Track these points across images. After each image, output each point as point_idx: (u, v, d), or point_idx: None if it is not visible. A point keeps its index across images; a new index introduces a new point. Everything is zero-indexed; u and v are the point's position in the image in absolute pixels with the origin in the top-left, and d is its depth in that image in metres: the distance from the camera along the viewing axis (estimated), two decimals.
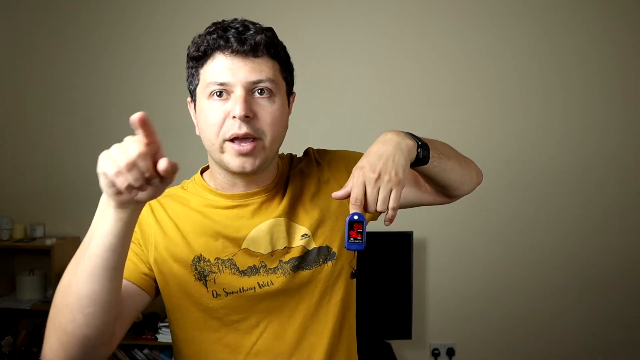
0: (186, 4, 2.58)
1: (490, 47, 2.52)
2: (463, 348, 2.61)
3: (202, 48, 0.82)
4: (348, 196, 0.78)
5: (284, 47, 0.88)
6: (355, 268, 0.98)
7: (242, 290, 0.87)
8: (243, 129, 0.79)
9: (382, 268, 2.38)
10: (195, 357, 0.91)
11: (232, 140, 0.81)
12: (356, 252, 0.97)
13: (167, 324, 2.34)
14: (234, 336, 0.89)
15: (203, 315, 0.88)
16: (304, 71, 2.38)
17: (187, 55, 0.86)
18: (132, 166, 0.59)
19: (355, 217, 0.75)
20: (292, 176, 0.95)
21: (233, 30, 0.80)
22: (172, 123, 2.60)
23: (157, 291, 0.89)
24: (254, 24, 0.83)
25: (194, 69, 0.85)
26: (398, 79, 2.56)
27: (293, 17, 2.55)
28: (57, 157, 2.69)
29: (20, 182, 2.71)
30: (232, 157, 0.81)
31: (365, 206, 0.76)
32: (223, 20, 0.83)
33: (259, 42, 0.80)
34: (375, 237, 2.28)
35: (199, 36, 0.84)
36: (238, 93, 0.80)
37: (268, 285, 0.88)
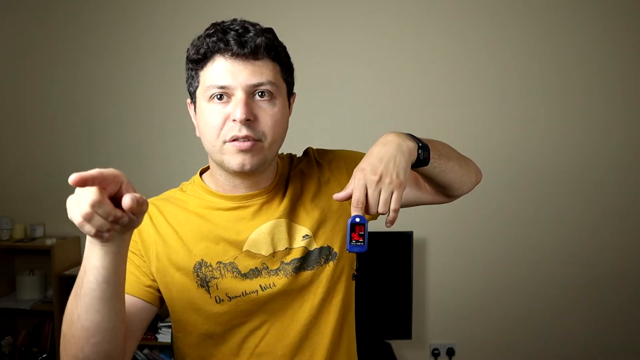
0: (186, 4, 2.58)
1: (490, 47, 2.52)
2: (463, 348, 2.61)
3: (201, 51, 0.81)
4: (349, 198, 0.77)
5: (285, 48, 0.87)
6: (356, 270, 0.98)
7: (244, 294, 0.87)
8: (243, 132, 0.79)
9: (382, 268, 2.38)
10: None
11: (232, 141, 0.80)
12: (356, 254, 0.97)
13: (167, 324, 2.35)
14: (237, 339, 0.89)
15: (207, 321, 0.88)
16: (304, 71, 2.38)
17: (187, 57, 0.85)
18: (91, 216, 0.59)
19: (357, 220, 0.75)
20: (292, 176, 0.95)
21: (233, 33, 0.80)
22: (172, 123, 2.60)
23: (162, 301, 0.89)
24: (253, 25, 0.82)
25: (193, 72, 0.85)
26: (398, 79, 2.56)
27: (293, 17, 2.54)
28: (57, 157, 2.69)
29: (20, 182, 2.72)
30: (232, 156, 0.81)
31: (366, 208, 0.76)
32: (222, 22, 0.83)
33: (260, 45, 0.80)
34: (376, 238, 2.28)
35: (198, 38, 0.83)
36: (239, 96, 0.79)
37: (270, 287, 0.87)
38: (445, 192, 0.98)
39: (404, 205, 1.00)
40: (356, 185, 0.76)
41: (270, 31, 0.84)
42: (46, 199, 2.70)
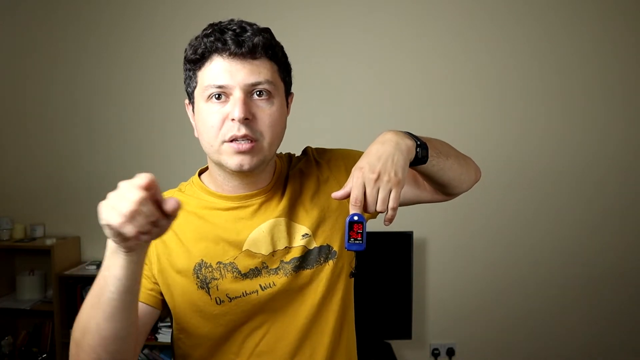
0: (186, 4, 2.58)
1: (490, 47, 2.52)
2: (463, 348, 2.61)
3: (199, 51, 0.81)
4: (347, 196, 0.77)
5: (282, 48, 0.87)
6: (355, 268, 0.98)
7: (245, 295, 0.87)
8: (242, 131, 0.79)
9: (382, 268, 2.38)
10: None
11: (230, 141, 0.80)
12: (355, 253, 0.97)
13: (167, 324, 2.35)
14: (238, 339, 0.89)
15: (208, 323, 0.88)
16: (304, 71, 2.39)
17: (185, 57, 0.85)
18: (135, 214, 0.58)
19: (355, 218, 0.75)
20: (291, 176, 0.95)
21: (230, 32, 0.80)
22: (172, 123, 2.60)
23: (165, 304, 0.89)
24: (251, 25, 0.82)
25: (191, 72, 0.85)
26: (398, 79, 2.56)
27: (293, 17, 2.54)
28: (57, 157, 2.69)
29: (20, 182, 2.72)
30: (230, 156, 0.81)
31: (364, 206, 0.76)
32: (220, 22, 0.83)
33: (257, 44, 0.80)
34: (375, 237, 2.28)
35: (196, 38, 0.83)
36: (237, 95, 0.79)
37: (270, 286, 0.87)
38: (444, 190, 0.98)
39: (403, 204, 1.00)
40: (354, 183, 0.76)
41: (267, 31, 0.84)
42: (46, 199, 2.70)
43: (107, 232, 0.61)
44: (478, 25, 2.52)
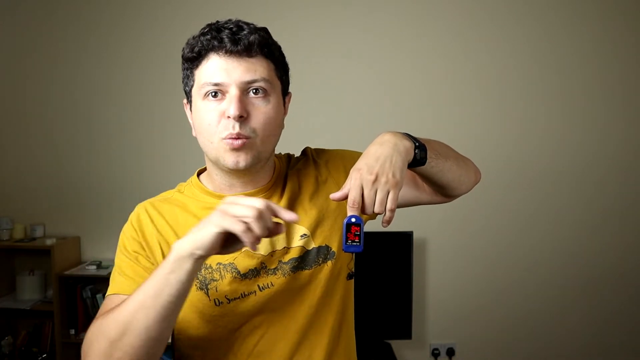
0: (186, 4, 2.58)
1: (490, 47, 2.52)
2: (463, 348, 2.61)
3: (196, 49, 0.82)
4: (345, 198, 0.77)
5: (279, 47, 0.88)
6: (353, 270, 0.98)
7: (243, 295, 0.87)
8: (236, 129, 0.80)
9: (382, 268, 2.38)
10: None
11: (226, 139, 0.81)
12: (354, 254, 0.97)
13: None
14: (237, 339, 0.89)
15: (208, 323, 0.88)
16: (304, 71, 2.39)
17: (182, 56, 0.86)
18: (261, 216, 0.67)
19: (353, 220, 0.75)
20: (290, 176, 0.95)
21: (227, 31, 0.80)
22: (172, 123, 2.60)
23: None
24: (247, 24, 0.83)
25: (189, 71, 0.86)
26: (398, 79, 2.56)
27: (293, 17, 2.54)
28: (57, 157, 2.69)
29: (20, 182, 2.72)
30: (226, 154, 0.81)
31: (362, 208, 0.76)
32: (217, 21, 0.83)
33: (253, 42, 0.80)
34: (375, 237, 2.28)
35: (193, 37, 0.83)
36: (232, 93, 0.80)
37: (268, 287, 0.87)
38: (443, 192, 0.98)
39: (402, 205, 1.00)
40: (352, 185, 0.76)
41: (264, 30, 0.84)
42: (46, 199, 2.70)
43: (237, 227, 0.66)
44: (478, 25, 2.52)
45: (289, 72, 0.91)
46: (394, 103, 2.56)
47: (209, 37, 0.81)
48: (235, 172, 0.85)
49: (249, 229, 0.66)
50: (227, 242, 0.70)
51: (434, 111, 2.55)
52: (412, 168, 0.86)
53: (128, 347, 0.71)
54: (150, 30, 2.61)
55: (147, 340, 0.71)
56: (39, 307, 2.52)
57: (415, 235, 2.42)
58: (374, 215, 0.92)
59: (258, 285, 0.87)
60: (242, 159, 0.81)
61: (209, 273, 0.86)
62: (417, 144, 0.84)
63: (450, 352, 2.60)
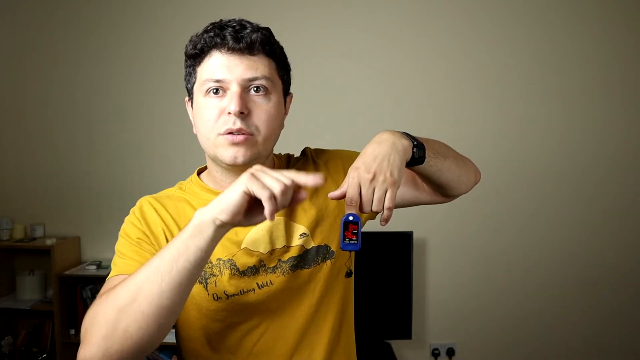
0: (186, 4, 2.58)
1: (490, 47, 2.52)
2: (463, 348, 2.61)
3: (199, 46, 0.83)
4: (343, 197, 0.78)
5: (281, 47, 0.89)
6: (351, 268, 0.98)
7: (242, 293, 0.87)
8: (237, 125, 0.80)
9: (382, 268, 2.38)
10: (198, 358, 0.91)
11: (226, 134, 0.81)
12: (352, 253, 0.97)
13: None
14: (235, 337, 0.89)
15: (205, 317, 0.88)
16: (304, 71, 2.39)
17: (185, 53, 0.86)
18: (286, 190, 0.67)
19: (350, 218, 0.75)
20: None
21: (230, 29, 0.81)
22: (172, 123, 2.61)
23: None
24: (250, 23, 0.84)
25: (191, 68, 0.86)
26: (398, 79, 2.56)
27: (293, 17, 2.55)
28: (57, 157, 2.69)
29: (20, 182, 2.72)
30: (225, 149, 0.82)
31: (360, 206, 0.77)
32: (220, 20, 0.84)
33: (255, 40, 0.81)
34: (375, 237, 2.28)
35: (197, 35, 0.84)
36: (233, 90, 0.80)
37: (267, 285, 0.88)
38: (443, 191, 0.98)
39: (402, 205, 1.00)
40: (350, 183, 0.77)
41: (267, 29, 0.85)
42: (46, 199, 2.70)
43: (263, 194, 0.66)
44: (478, 25, 2.52)
45: (291, 73, 0.92)
46: (394, 103, 2.56)
47: (212, 34, 0.82)
48: (234, 169, 0.85)
49: (273, 196, 0.66)
50: (249, 212, 0.69)
51: (434, 111, 2.55)
52: (411, 167, 0.86)
53: (138, 314, 0.67)
54: (150, 30, 2.61)
55: (159, 308, 0.67)
56: (39, 307, 2.53)
57: (415, 235, 2.42)
58: (373, 215, 0.92)
59: (257, 283, 0.87)
60: (240, 155, 0.82)
61: (209, 268, 0.87)
62: (415, 142, 0.84)
63: (450, 352, 2.60)
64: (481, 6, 2.51)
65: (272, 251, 0.88)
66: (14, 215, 2.68)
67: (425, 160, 0.85)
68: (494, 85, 2.53)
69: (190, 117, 0.90)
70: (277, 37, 0.88)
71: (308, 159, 0.99)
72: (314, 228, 0.91)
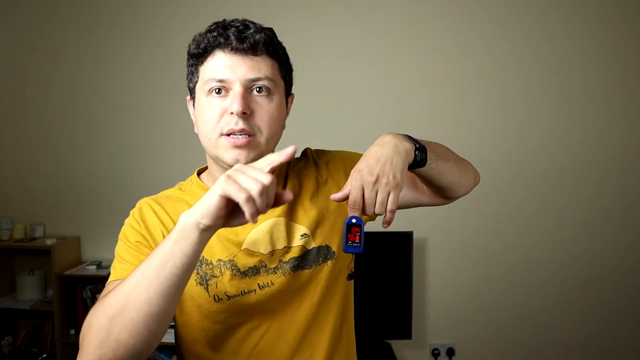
0: (186, 4, 2.58)
1: (490, 47, 2.52)
2: (463, 348, 2.61)
3: (202, 45, 0.83)
4: (346, 199, 0.78)
5: (284, 48, 0.89)
6: (353, 270, 0.98)
7: (243, 293, 0.87)
8: (240, 125, 0.80)
9: (382, 268, 2.38)
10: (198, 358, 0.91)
11: (228, 134, 0.81)
12: (354, 255, 0.97)
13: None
14: (236, 338, 0.89)
15: (206, 318, 0.88)
16: (304, 71, 2.39)
17: (188, 52, 0.86)
18: (265, 191, 0.64)
19: (354, 221, 0.75)
20: (291, 176, 0.95)
21: (233, 29, 0.81)
22: (172, 123, 2.60)
23: None
24: (254, 23, 0.84)
25: (193, 67, 0.86)
26: (398, 79, 2.56)
27: (293, 17, 2.55)
28: (57, 157, 2.69)
29: (20, 182, 2.72)
30: (227, 150, 0.82)
31: (363, 209, 0.76)
32: (224, 20, 0.84)
33: (259, 41, 0.81)
34: (375, 238, 2.28)
35: (200, 34, 0.84)
36: (236, 90, 0.81)
37: (268, 285, 0.88)
38: (443, 193, 0.98)
39: (402, 206, 1.00)
40: (353, 186, 0.76)
41: (270, 30, 0.85)
42: (46, 199, 2.70)
43: (240, 197, 0.63)
44: (478, 25, 2.52)
45: (293, 73, 0.92)
46: (394, 103, 2.56)
47: (215, 34, 0.82)
48: None
49: (251, 199, 0.64)
50: (233, 213, 0.68)
51: (434, 111, 2.55)
52: (412, 169, 0.86)
53: (127, 322, 0.68)
54: (150, 30, 2.61)
55: (148, 315, 0.67)
56: (39, 307, 2.52)
57: (415, 235, 2.42)
58: (373, 216, 0.92)
59: (258, 284, 0.87)
60: (242, 157, 0.82)
61: (210, 269, 0.87)
62: (417, 145, 0.84)
63: (450, 352, 2.60)
64: (481, 6, 2.51)
65: (272, 252, 0.88)
66: (14, 215, 2.68)
67: (427, 162, 0.85)
68: (494, 85, 2.53)
69: (192, 117, 0.90)
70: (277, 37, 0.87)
71: (309, 160, 0.99)
72: (314, 228, 0.91)
